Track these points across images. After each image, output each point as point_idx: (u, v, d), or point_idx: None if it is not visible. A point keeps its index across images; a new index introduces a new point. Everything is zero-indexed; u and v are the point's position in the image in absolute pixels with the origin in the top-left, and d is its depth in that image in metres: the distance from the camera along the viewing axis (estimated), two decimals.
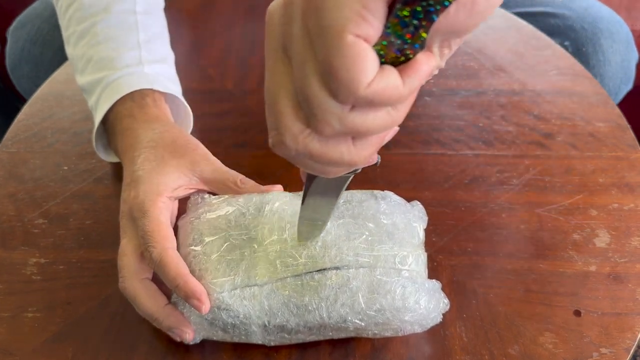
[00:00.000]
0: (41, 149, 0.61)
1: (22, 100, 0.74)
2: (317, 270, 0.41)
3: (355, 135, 0.27)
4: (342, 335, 0.43)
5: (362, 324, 0.41)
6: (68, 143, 0.61)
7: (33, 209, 0.56)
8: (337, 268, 0.41)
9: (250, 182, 0.47)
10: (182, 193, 0.47)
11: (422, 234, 0.44)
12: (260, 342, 0.43)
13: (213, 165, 0.48)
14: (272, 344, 0.43)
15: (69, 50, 0.58)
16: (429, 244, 0.51)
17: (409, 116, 0.65)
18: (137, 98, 0.52)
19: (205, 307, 0.40)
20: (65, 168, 0.59)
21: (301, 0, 0.24)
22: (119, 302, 0.48)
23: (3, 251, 0.52)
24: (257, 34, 0.74)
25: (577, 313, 0.46)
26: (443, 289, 0.44)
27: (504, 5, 0.77)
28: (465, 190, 0.55)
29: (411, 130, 0.61)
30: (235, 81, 0.68)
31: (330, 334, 0.43)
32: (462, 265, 0.50)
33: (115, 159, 0.56)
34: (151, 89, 0.53)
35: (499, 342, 0.45)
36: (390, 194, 0.46)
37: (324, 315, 0.41)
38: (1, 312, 0.48)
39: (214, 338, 0.43)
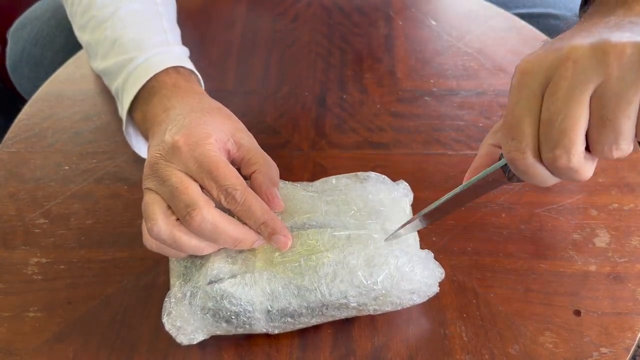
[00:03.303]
0: (42, 148, 0.61)
1: (22, 101, 0.74)
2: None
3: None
4: (344, 314, 0.44)
5: (362, 299, 0.42)
6: (69, 143, 0.62)
7: (34, 208, 0.56)
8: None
9: (268, 177, 0.45)
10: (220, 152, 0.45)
11: (408, 209, 0.47)
12: (264, 331, 0.43)
13: (252, 138, 0.47)
14: (276, 331, 0.44)
15: (85, 36, 0.58)
16: (429, 244, 0.51)
17: (409, 116, 0.66)
18: (182, 71, 0.53)
19: (290, 240, 0.42)
20: (66, 168, 0.59)
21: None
22: (119, 302, 0.49)
23: (4, 251, 0.52)
24: (257, 34, 0.74)
25: (577, 313, 0.46)
26: (442, 285, 0.44)
27: (505, 6, 0.77)
28: None
29: (411, 130, 0.61)
30: (235, 81, 0.68)
31: (333, 313, 0.43)
32: (462, 265, 0.50)
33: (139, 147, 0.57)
34: (190, 69, 0.54)
35: (499, 341, 0.45)
36: (373, 174, 0.48)
37: (325, 293, 0.41)
38: (2, 311, 0.48)
39: (218, 332, 0.43)
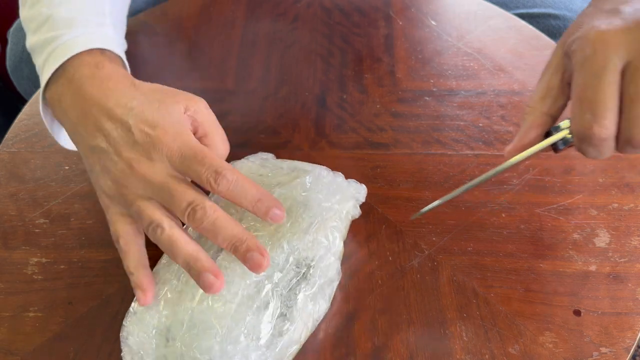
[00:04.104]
0: (42, 148, 0.61)
1: (22, 101, 0.74)
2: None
3: None
4: None
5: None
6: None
7: (34, 208, 0.56)
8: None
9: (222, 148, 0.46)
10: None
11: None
12: None
13: (206, 105, 0.46)
14: None
15: (23, 12, 0.55)
16: (429, 244, 0.51)
17: (409, 116, 0.66)
18: (107, 53, 0.49)
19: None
20: (67, 168, 0.59)
21: None
22: (120, 302, 0.49)
23: (4, 251, 0.53)
24: (257, 34, 0.74)
25: (577, 313, 0.46)
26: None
27: (504, 6, 0.77)
28: None
29: (411, 131, 0.61)
30: (235, 81, 0.68)
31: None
32: (462, 265, 0.50)
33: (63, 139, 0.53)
34: (118, 55, 0.50)
35: (499, 341, 0.45)
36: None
37: None
38: (2, 311, 0.48)
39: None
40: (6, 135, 0.63)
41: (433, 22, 0.75)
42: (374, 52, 0.71)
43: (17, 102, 1.16)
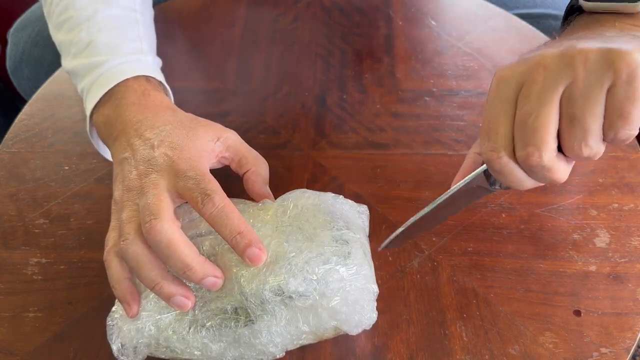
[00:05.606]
0: (42, 149, 0.61)
1: (22, 101, 0.74)
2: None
3: (586, 161, 0.37)
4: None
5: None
6: (69, 143, 0.62)
7: (34, 208, 0.56)
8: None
9: (261, 176, 0.47)
10: (212, 160, 0.47)
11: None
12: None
13: (236, 135, 0.48)
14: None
15: (59, 35, 0.57)
16: (429, 244, 0.51)
17: (409, 116, 0.65)
18: (152, 81, 0.52)
19: (265, 254, 0.41)
20: (66, 168, 0.59)
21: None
22: None
23: (4, 251, 0.53)
24: (257, 34, 0.74)
25: (577, 313, 0.46)
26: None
27: (505, 6, 0.77)
28: None
29: (412, 131, 0.61)
30: (236, 81, 0.68)
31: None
32: (462, 265, 0.50)
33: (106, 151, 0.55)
34: (160, 81, 0.54)
35: (499, 341, 0.45)
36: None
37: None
38: (2, 312, 0.48)
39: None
40: (6, 136, 0.63)
41: (433, 22, 0.75)
42: (374, 52, 0.71)
43: (17, 102, 1.16)
